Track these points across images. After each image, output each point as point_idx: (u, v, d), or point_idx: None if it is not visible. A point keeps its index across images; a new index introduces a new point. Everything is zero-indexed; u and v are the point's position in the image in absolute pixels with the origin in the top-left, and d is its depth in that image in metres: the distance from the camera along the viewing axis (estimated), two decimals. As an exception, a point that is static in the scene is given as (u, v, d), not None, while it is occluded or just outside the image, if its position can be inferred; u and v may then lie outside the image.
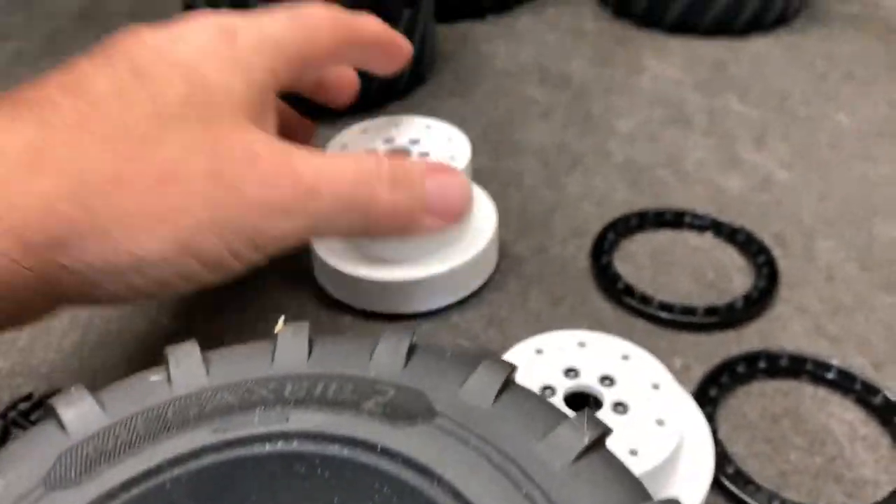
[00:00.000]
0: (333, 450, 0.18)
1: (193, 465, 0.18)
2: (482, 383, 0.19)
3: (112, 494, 0.17)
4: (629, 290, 0.41)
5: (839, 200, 0.48)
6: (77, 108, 0.25)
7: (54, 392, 0.37)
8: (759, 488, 0.32)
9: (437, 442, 0.18)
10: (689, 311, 0.39)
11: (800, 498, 0.32)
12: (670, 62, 0.62)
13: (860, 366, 0.37)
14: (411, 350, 0.20)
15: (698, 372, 0.37)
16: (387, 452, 0.18)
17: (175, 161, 0.26)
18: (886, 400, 0.35)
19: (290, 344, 0.20)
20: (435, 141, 0.42)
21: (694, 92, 0.59)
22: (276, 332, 0.21)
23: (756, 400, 0.36)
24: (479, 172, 0.51)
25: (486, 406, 0.19)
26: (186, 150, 0.27)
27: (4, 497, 0.17)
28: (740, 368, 0.36)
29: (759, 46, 0.64)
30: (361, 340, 0.20)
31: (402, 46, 0.39)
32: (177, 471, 0.18)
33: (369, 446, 0.18)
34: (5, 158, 0.24)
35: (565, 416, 0.18)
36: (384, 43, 0.38)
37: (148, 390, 0.20)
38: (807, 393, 0.36)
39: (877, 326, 0.39)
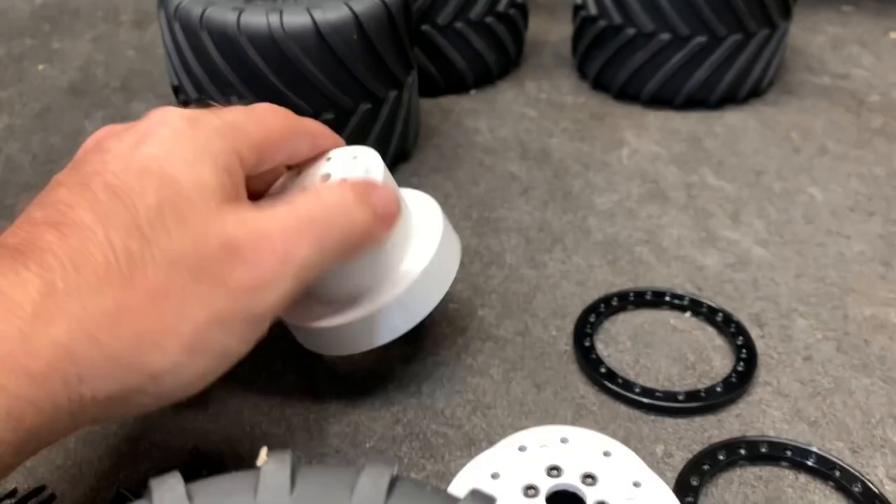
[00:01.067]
0: None
1: None
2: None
3: None
4: (611, 375, 0.41)
5: (815, 278, 0.49)
6: (71, 248, 0.27)
7: (41, 488, 0.37)
8: (741, 583, 0.32)
9: None
10: (670, 396, 0.40)
11: (782, 592, 0.32)
12: (647, 136, 0.64)
13: (839, 450, 0.38)
14: (392, 484, 0.20)
15: (679, 458, 0.37)
16: None
17: (163, 275, 0.27)
18: (865, 487, 0.35)
19: (273, 478, 0.20)
20: (343, 164, 0.39)
21: (670, 166, 0.60)
22: (258, 463, 0.21)
23: (737, 488, 0.36)
24: (464, 252, 0.52)
25: None
26: (170, 261, 0.28)
27: None
28: (721, 456, 0.37)
29: (734, 119, 0.66)
30: (344, 472, 0.21)
31: (337, 143, 0.41)
32: None
33: None
34: (22, 311, 0.25)
35: None
36: (323, 136, 0.40)
37: None
38: (787, 480, 0.37)
39: (854, 411, 0.40)
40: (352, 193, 0.34)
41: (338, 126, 0.55)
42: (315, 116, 0.53)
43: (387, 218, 0.35)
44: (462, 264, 0.51)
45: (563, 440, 0.32)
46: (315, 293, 0.39)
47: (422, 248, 0.39)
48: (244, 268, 0.30)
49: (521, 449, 0.32)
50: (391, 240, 0.38)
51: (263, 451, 0.22)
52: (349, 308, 0.38)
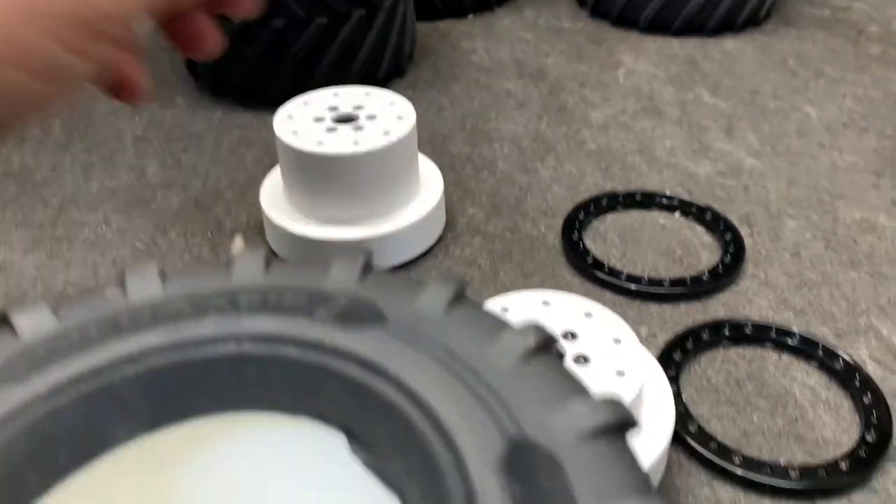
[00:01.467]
0: (284, 351, 0.18)
1: (143, 365, 0.18)
2: (433, 295, 0.19)
3: (59, 389, 0.17)
4: (598, 264, 0.41)
5: (806, 186, 0.48)
6: None
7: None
8: (721, 445, 0.32)
9: (386, 344, 0.18)
10: (656, 282, 0.40)
11: (761, 456, 0.32)
12: (644, 59, 0.63)
13: (823, 335, 0.38)
14: (366, 268, 0.20)
15: (663, 339, 0.37)
16: (336, 352, 0.18)
17: None
18: (847, 364, 0.35)
19: (248, 260, 0.20)
20: (378, 104, 0.43)
21: (666, 85, 0.60)
22: (232, 251, 0.21)
23: (720, 365, 0.36)
24: (455, 158, 0.52)
25: (437, 315, 0.19)
26: None
27: None
28: (705, 335, 0.37)
29: (731, 46, 0.65)
30: (319, 262, 0.21)
31: None
32: (127, 370, 0.18)
33: (319, 347, 0.18)
34: None
35: (511, 325, 0.19)
36: None
37: (103, 302, 0.20)
38: (770, 359, 0.37)
39: (840, 301, 0.40)
40: None
41: (331, 33, 0.54)
42: (307, 21, 0.53)
43: None
44: (453, 169, 0.51)
45: (546, 303, 0.32)
46: (318, 208, 0.41)
47: (424, 201, 0.43)
48: None
49: (504, 309, 0.32)
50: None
51: (238, 238, 0.22)
52: (343, 227, 0.41)
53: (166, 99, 0.58)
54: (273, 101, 0.46)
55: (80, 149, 0.53)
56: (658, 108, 0.57)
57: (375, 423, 0.18)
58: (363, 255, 0.21)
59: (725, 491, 0.31)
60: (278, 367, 0.18)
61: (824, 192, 0.48)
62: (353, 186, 0.40)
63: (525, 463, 0.15)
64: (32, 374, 0.18)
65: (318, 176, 0.40)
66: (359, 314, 0.19)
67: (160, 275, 0.20)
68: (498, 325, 0.19)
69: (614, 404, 0.16)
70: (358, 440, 0.18)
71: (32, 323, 0.19)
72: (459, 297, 0.20)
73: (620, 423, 0.16)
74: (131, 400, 0.18)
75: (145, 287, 0.20)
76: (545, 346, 0.18)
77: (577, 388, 0.17)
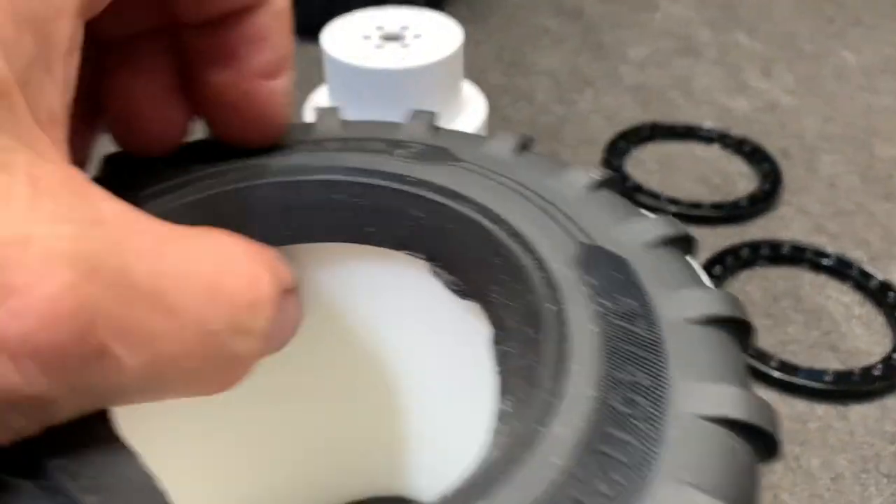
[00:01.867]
0: (370, 180, 0.19)
1: (231, 186, 0.19)
2: (502, 142, 0.21)
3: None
4: (638, 188, 0.42)
5: (842, 123, 0.49)
6: None
7: None
8: (758, 350, 0.33)
9: (463, 176, 0.19)
10: (695, 205, 0.41)
11: (797, 362, 0.33)
12: (681, 2, 0.64)
13: (857, 258, 0.38)
14: (433, 125, 0.22)
15: (701, 258, 0.38)
16: (419, 182, 0.19)
17: None
18: (881, 283, 0.36)
19: (324, 115, 0.22)
20: (425, 25, 0.43)
21: (703, 27, 0.60)
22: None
23: (758, 282, 0.37)
24: (492, 88, 0.52)
25: (506, 157, 0.20)
26: None
27: None
28: (744, 254, 0.38)
29: (768, -8, 0.65)
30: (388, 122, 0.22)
31: None
32: (215, 189, 0.19)
33: (402, 177, 0.19)
34: None
35: (576, 166, 0.20)
36: None
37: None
38: (806, 278, 0.37)
39: (875, 228, 0.41)
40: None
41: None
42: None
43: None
44: (490, 98, 0.51)
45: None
46: None
47: (468, 123, 0.42)
48: None
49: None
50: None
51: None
52: None
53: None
54: (311, 30, 0.46)
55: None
56: (695, 49, 0.57)
57: (457, 242, 0.19)
58: (429, 114, 0.22)
59: (762, 393, 0.32)
60: (363, 194, 0.19)
61: (860, 129, 0.48)
62: (400, 102, 0.41)
63: (596, 262, 0.17)
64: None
65: (366, 91, 0.41)
66: (434, 155, 0.20)
67: None
68: (563, 164, 0.20)
69: (671, 221, 0.18)
70: (439, 263, 0.20)
71: None
72: (526, 146, 0.21)
73: (679, 236, 0.18)
74: (217, 223, 0.18)
75: None
76: (609, 182, 0.20)
77: (638, 212, 0.19)
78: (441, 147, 0.20)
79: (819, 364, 0.33)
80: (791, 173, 0.44)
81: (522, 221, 0.18)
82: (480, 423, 0.17)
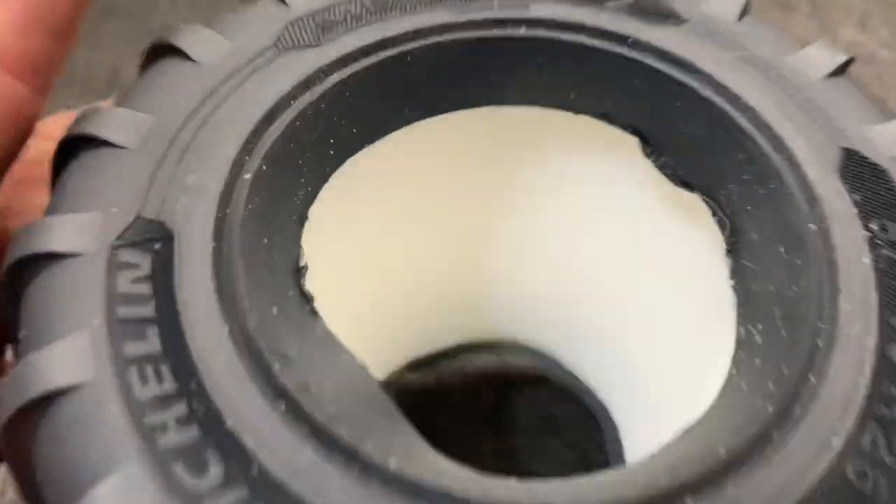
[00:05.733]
0: (579, 39, 0.16)
1: (433, 40, 0.17)
2: (723, 2, 0.18)
3: (352, 57, 0.16)
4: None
5: (942, 77, 0.48)
6: None
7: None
8: None
9: (688, 39, 0.16)
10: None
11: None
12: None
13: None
14: None
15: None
16: (635, 43, 0.16)
17: None
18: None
19: None
20: None
21: (797, -18, 0.59)
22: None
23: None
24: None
25: (732, 20, 0.17)
26: None
27: (233, 58, 0.16)
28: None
29: (865, -52, 0.64)
30: None
31: None
32: (415, 44, 0.17)
33: (619, 37, 0.16)
34: None
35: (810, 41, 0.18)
36: None
37: None
38: None
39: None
40: None
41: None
42: None
43: None
44: None
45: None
46: None
47: None
48: None
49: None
50: None
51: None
52: None
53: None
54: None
55: None
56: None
57: (681, 121, 0.16)
58: None
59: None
60: (573, 55, 0.17)
61: (961, 84, 0.48)
62: None
63: (857, 173, 0.15)
64: (322, 39, 0.16)
65: None
66: (652, 9, 0.17)
67: None
68: (793, 39, 0.18)
69: None
70: (651, 142, 0.17)
71: None
72: (747, 10, 0.18)
73: None
74: (419, 73, 0.17)
75: None
76: (847, 66, 0.18)
77: (885, 109, 0.17)
78: (658, 1, 0.17)
79: None
80: (888, 124, 0.44)
81: (772, 112, 0.15)
82: (684, 328, 0.17)
